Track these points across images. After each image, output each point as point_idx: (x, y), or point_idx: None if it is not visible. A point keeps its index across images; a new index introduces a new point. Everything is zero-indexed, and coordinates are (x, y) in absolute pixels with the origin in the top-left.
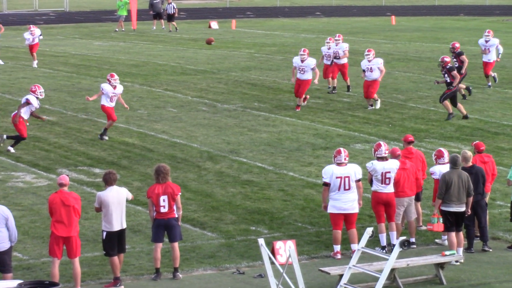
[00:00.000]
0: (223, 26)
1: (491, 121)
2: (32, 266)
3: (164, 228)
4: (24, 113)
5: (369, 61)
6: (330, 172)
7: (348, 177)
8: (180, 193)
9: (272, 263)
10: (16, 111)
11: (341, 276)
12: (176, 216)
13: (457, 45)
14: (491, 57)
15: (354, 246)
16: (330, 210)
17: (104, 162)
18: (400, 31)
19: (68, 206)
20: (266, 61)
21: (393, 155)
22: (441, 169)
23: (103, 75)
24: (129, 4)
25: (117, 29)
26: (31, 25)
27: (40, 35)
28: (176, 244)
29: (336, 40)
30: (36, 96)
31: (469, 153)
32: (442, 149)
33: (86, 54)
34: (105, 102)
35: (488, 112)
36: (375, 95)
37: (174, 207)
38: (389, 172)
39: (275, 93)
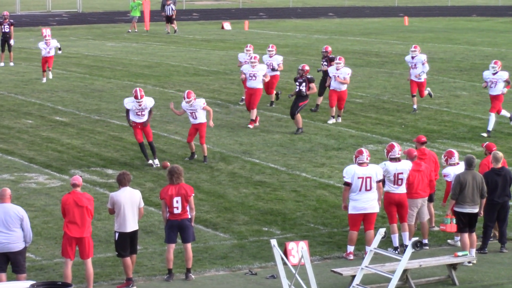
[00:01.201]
0: (236, 27)
1: (504, 122)
2: (45, 267)
3: (177, 229)
4: None
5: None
6: (352, 172)
7: (370, 177)
8: (193, 194)
9: (285, 264)
10: None
11: (353, 277)
12: (189, 217)
13: (330, 49)
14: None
15: (368, 248)
16: (351, 210)
17: (117, 163)
18: (412, 32)
19: (81, 206)
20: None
21: (410, 156)
22: (455, 171)
23: (116, 76)
24: (142, 5)
25: (130, 30)
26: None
27: (60, 49)
28: (189, 245)
29: (269, 51)
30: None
31: (500, 154)
32: (452, 149)
33: (99, 55)
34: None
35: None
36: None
37: (187, 208)
38: (402, 173)
39: (287, 94)
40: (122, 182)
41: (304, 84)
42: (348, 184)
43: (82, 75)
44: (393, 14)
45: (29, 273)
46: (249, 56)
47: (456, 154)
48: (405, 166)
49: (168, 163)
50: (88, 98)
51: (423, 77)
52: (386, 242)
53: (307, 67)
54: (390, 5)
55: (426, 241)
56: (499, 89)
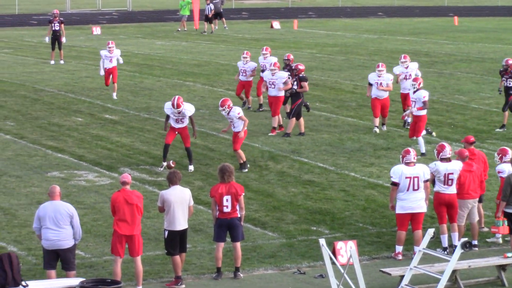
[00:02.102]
0: (285, 26)
1: None
2: (94, 264)
3: (226, 227)
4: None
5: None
6: (400, 172)
7: (417, 177)
8: (243, 193)
9: (333, 263)
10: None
11: (402, 277)
12: (239, 216)
13: (292, 57)
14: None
15: (417, 248)
16: (398, 210)
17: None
18: (462, 32)
19: (131, 204)
20: (327, 62)
21: (461, 157)
22: (509, 168)
23: (165, 74)
24: (191, 4)
25: (179, 29)
26: (110, 41)
27: (121, 62)
28: (238, 244)
29: (264, 54)
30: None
31: None
32: (505, 147)
33: (148, 54)
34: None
35: None
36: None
37: (237, 207)
38: (452, 173)
39: (337, 93)
40: (172, 180)
41: (296, 82)
42: (395, 184)
43: (132, 74)
44: (442, 14)
45: (78, 270)
46: (245, 63)
47: (510, 152)
48: (455, 167)
49: (173, 164)
50: (137, 96)
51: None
52: (435, 243)
53: (301, 66)
54: (439, 5)
55: (475, 242)
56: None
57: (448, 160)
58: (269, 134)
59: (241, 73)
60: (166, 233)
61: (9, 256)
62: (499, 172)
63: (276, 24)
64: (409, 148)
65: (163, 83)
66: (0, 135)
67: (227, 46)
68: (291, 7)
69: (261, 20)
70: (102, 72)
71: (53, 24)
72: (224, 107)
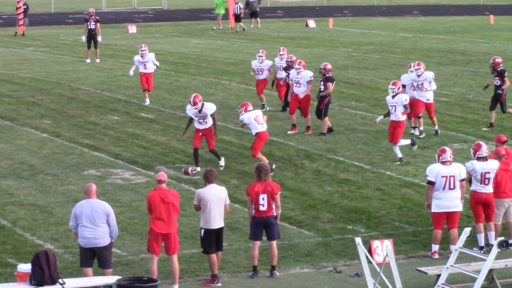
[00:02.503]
0: (320, 25)
1: None
2: (130, 262)
3: (262, 226)
4: None
5: (419, 76)
6: (436, 171)
7: (454, 176)
8: (279, 192)
9: (369, 262)
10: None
11: (438, 276)
12: (275, 214)
13: (294, 58)
14: (429, 95)
15: (453, 247)
16: (434, 209)
17: (201, 159)
18: (498, 31)
19: (167, 203)
20: (363, 60)
21: (498, 155)
22: None
23: (201, 73)
24: (226, 3)
25: (214, 27)
26: (142, 44)
27: (156, 66)
28: (274, 243)
29: (280, 54)
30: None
31: None
32: (481, 142)
33: (184, 52)
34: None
35: None
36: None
37: (273, 206)
38: (489, 172)
39: (372, 92)
40: (209, 179)
41: (322, 82)
42: (431, 183)
43: (168, 72)
44: (478, 12)
45: (115, 268)
46: (261, 62)
47: (485, 147)
48: (492, 166)
49: (189, 169)
50: (173, 95)
51: (432, 98)
52: (471, 242)
53: (329, 66)
54: (475, 3)
55: None
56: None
57: (484, 159)
58: (305, 133)
59: (257, 72)
60: (202, 231)
61: (46, 254)
62: None
63: (311, 23)
64: (445, 147)
65: (199, 81)
66: (37, 133)
67: (262, 44)
68: (326, 6)
69: (296, 19)
70: (131, 72)
71: (88, 23)
72: (241, 109)
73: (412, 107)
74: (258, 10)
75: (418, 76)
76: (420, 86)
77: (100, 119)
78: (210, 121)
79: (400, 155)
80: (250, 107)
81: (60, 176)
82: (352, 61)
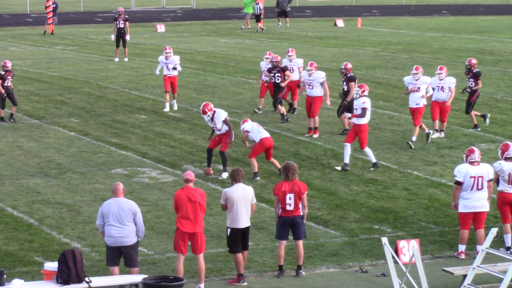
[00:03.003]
0: (348, 24)
1: None
2: (157, 261)
3: (289, 225)
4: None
5: (441, 80)
6: (464, 172)
7: (482, 176)
8: (306, 192)
9: (396, 262)
10: None
11: (464, 276)
12: (301, 214)
13: (279, 58)
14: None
15: (479, 247)
16: (461, 209)
17: (229, 158)
18: None
19: (194, 202)
20: (391, 60)
21: None
22: None
23: (229, 72)
24: (255, 2)
25: (243, 27)
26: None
27: (176, 69)
28: (300, 242)
29: (289, 56)
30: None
31: None
32: (508, 142)
33: (212, 51)
34: None
35: None
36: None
37: (300, 205)
38: None
39: (400, 92)
40: (236, 178)
41: (344, 82)
42: (459, 183)
43: (195, 71)
44: (507, 12)
45: (141, 267)
46: (269, 63)
47: None
48: None
49: (211, 171)
50: (201, 94)
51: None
52: (498, 242)
53: (349, 65)
54: (504, 3)
55: None
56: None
57: None
58: (306, 134)
59: (264, 75)
60: (229, 230)
61: (73, 253)
62: None
63: (340, 22)
64: (473, 147)
65: (227, 80)
66: (65, 132)
67: (290, 44)
68: (355, 5)
69: (324, 18)
70: (157, 72)
71: (118, 22)
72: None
73: (433, 110)
74: (288, 9)
75: (440, 80)
76: (416, 90)
77: (128, 118)
78: (224, 128)
79: (374, 159)
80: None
81: (87, 175)
82: (380, 60)
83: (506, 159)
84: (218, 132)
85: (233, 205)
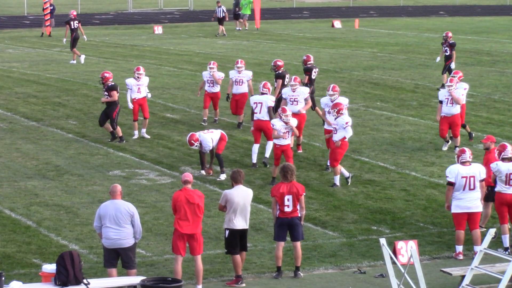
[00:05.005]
0: (346, 25)
1: None
2: (155, 262)
3: (287, 227)
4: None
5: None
6: (456, 172)
7: (474, 176)
8: (304, 193)
9: (394, 263)
10: None
11: (463, 277)
12: (299, 215)
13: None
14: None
15: (477, 248)
16: (454, 210)
17: (226, 160)
18: None
19: (193, 203)
20: (388, 61)
21: None
22: None
23: (226, 73)
24: (252, 3)
25: (240, 28)
26: (140, 68)
27: (148, 92)
28: (298, 243)
29: (238, 67)
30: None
31: None
32: (505, 143)
33: (209, 53)
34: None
35: None
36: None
37: (298, 207)
38: None
39: (398, 93)
40: (237, 179)
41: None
42: (451, 184)
43: (193, 73)
44: (505, 12)
45: (139, 268)
46: (212, 74)
47: (510, 147)
48: None
49: (211, 171)
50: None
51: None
52: (496, 243)
53: (280, 62)
54: (502, 4)
55: None
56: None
57: (509, 159)
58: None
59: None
60: (227, 232)
61: (71, 254)
62: None
63: (337, 23)
64: (465, 148)
65: (224, 82)
66: (63, 133)
67: (288, 45)
68: (352, 6)
69: (322, 19)
70: (131, 105)
71: (72, 23)
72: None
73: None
74: (240, 13)
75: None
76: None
77: (126, 120)
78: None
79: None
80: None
81: (85, 177)
82: (377, 61)
83: (503, 159)
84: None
85: (232, 207)
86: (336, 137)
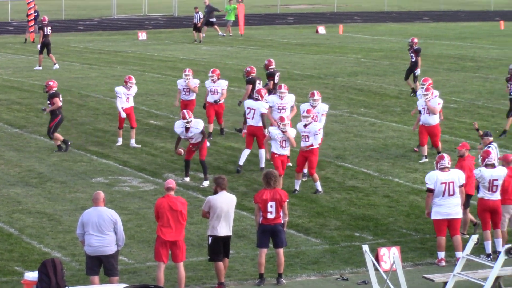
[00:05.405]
0: (330, 31)
1: None
2: (137, 270)
3: (269, 233)
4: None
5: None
6: (435, 178)
7: (453, 182)
8: (287, 200)
9: (376, 269)
10: None
11: (445, 283)
12: (282, 222)
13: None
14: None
15: (459, 254)
16: (434, 216)
17: (210, 167)
18: (509, 36)
19: (176, 210)
20: (372, 67)
21: (506, 161)
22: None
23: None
24: (237, 9)
25: (224, 34)
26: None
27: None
28: (281, 250)
29: (211, 76)
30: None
31: None
32: (489, 149)
33: (194, 59)
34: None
35: None
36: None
37: (281, 213)
38: (497, 179)
39: (382, 99)
40: (221, 185)
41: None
42: (431, 191)
43: (177, 79)
44: (489, 18)
45: (122, 276)
46: (187, 81)
47: (493, 154)
48: (500, 173)
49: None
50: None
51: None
52: (478, 249)
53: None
54: (486, 9)
55: None
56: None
57: (493, 166)
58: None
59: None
60: (210, 239)
61: (53, 262)
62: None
63: (322, 29)
64: (443, 154)
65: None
66: (46, 141)
67: (272, 51)
68: (337, 12)
69: (306, 25)
70: (123, 114)
71: (45, 29)
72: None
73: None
74: (214, 19)
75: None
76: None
77: (109, 127)
78: (199, 138)
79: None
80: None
81: (68, 184)
82: (361, 67)
83: (487, 165)
84: (192, 141)
85: (215, 213)
86: (304, 144)
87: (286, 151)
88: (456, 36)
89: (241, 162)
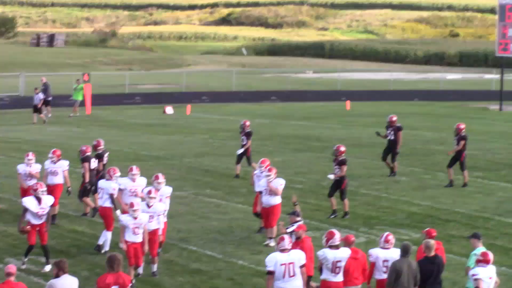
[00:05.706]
0: (178, 111)
1: (443, 208)
2: None
3: None
4: None
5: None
6: (274, 260)
7: (293, 263)
8: (131, 284)
9: None
10: None
11: None
12: None
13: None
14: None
15: None
16: None
17: (52, 251)
18: (355, 116)
19: None
20: (220, 147)
21: (347, 242)
22: (384, 253)
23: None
24: (83, 89)
25: (72, 114)
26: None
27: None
28: None
29: (50, 157)
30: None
31: (432, 242)
32: (333, 230)
33: (40, 140)
34: None
35: (439, 199)
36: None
37: None
38: (340, 260)
39: (228, 180)
40: (64, 268)
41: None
42: (271, 273)
43: (22, 161)
44: (335, 98)
45: None
46: (29, 166)
47: (338, 235)
48: (343, 254)
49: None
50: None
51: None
52: None
53: (86, 147)
54: (332, 89)
55: None
56: None
57: (336, 247)
58: None
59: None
60: None
61: None
62: (370, 255)
63: (169, 109)
64: (284, 235)
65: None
66: None
67: (118, 131)
68: (185, 92)
69: (154, 105)
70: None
71: None
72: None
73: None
74: (50, 98)
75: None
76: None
77: None
78: (46, 216)
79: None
80: None
81: None
82: (209, 148)
83: (331, 247)
84: (35, 222)
85: None
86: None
87: (139, 238)
88: (303, 116)
89: (101, 242)
